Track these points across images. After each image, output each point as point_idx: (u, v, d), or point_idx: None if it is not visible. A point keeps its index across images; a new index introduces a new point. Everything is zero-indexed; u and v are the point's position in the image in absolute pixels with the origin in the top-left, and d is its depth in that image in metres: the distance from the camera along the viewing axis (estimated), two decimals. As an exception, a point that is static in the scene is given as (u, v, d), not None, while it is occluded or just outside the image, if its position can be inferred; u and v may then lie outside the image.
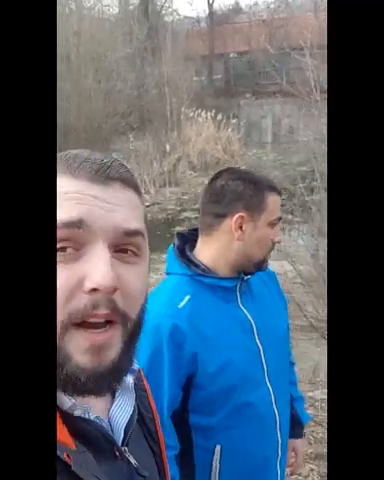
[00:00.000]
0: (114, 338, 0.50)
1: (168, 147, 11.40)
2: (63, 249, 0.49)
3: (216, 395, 1.11)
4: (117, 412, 0.57)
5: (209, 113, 13.59)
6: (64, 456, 0.47)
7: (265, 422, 1.16)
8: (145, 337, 1.15)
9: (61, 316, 0.48)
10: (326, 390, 3.26)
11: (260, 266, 1.18)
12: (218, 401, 1.12)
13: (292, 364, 1.38)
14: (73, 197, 0.50)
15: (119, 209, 0.51)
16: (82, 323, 0.48)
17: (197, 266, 1.15)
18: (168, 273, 1.21)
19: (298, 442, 1.38)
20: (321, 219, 4.27)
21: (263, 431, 1.16)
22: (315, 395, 3.25)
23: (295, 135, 15.28)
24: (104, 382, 0.50)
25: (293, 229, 5.03)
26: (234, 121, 14.24)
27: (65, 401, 0.51)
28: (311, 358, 3.36)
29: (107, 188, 0.52)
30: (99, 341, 0.49)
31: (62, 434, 0.48)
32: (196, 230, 1.23)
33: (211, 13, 21.04)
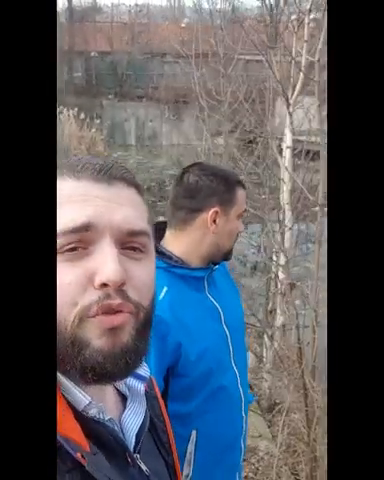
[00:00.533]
0: (127, 324, 0.52)
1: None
2: (72, 250, 0.51)
3: (196, 381, 1.17)
4: (129, 418, 0.58)
5: (71, 111, 13.12)
6: (78, 456, 0.48)
7: (234, 403, 1.26)
8: None
9: (75, 311, 0.50)
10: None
11: (227, 255, 1.26)
12: (197, 387, 1.17)
13: (246, 350, 1.54)
14: (78, 200, 0.51)
15: (123, 208, 0.53)
16: (96, 314, 0.51)
17: (170, 258, 1.19)
18: None
19: None
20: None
21: (233, 412, 1.26)
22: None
23: (159, 139, 15.66)
24: (121, 363, 0.51)
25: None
26: (98, 121, 13.97)
27: (81, 400, 0.52)
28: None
29: (111, 187, 0.53)
30: (114, 324, 0.51)
31: (76, 434, 0.49)
32: (159, 223, 1.26)
33: (70, 7, 20.35)
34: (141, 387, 0.60)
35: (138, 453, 0.57)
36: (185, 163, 4.45)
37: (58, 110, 12.69)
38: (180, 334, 1.13)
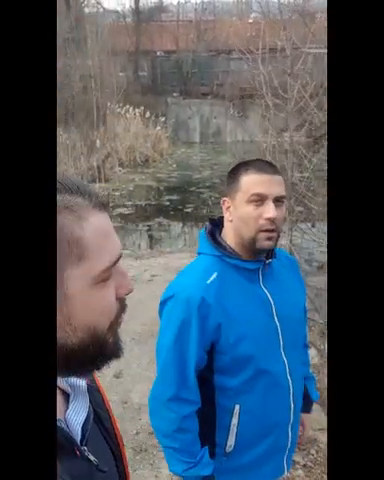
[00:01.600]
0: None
1: (98, 142, 11.03)
2: (111, 274, 0.56)
3: (235, 361, 1.22)
4: (73, 414, 0.61)
5: (137, 110, 13.42)
6: None
7: (280, 389, 1.28)
8: (176, 307, 1.23)
9: (109, 324, 0.57)
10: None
11: (254, 245, 1.21)
12: (237, 366, 1.23)
13: (306, 346, 1.49)
14: (112, 232, 0.56)
15: (115, 234, 0.58)
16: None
17: (224, 248, 1.26)
18: (199, 253, 1.32)
19: (307, 416, 1.51)
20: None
21: (278, 397, 1.28)
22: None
23: (223, 136, 15.64)
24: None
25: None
26: (162, 119, 14.19)
27: None
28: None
29: (106, 214, 0.57)
30: None
31: None
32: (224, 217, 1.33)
33: (137, 8, 20.79)
34: (83, 383, 0.63)
35: (85, 445, 0.60)
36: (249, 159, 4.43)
37: (124, 109, 13.05)
38: (220, 316, 1.20)
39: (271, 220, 1.18)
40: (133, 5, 21.03)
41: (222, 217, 1.33)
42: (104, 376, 2.96)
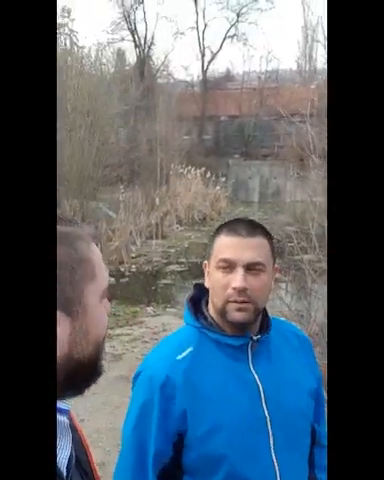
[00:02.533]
0: None
1: (157, 200, 11.44)
2: (105, 295, 0.64)
3: (204, 460, 1.01)
4: (59, 452, 0.59)
5: (198, 170, 13.90)
6: None
7: None
8: (140, 385, 1.05)
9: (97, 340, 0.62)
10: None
11: (225, 317, 1.05)
12: (207, 468, 1.01)
13: (323, 447, 1.16)
14: (103, 265, 0.63)
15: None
16: None
17: (205, 319, 1.09)
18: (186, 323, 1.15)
19: None
20: (311, 280, 4.20)
21: None
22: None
23: (282, 196, 15.72)
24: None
25: (279, 288, 4.93)
26: (223, 179, 14.56)
27: None
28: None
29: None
30: None
31: None
32: None
33: (205, 78, 22.15)
34: (65, 419, 0.62)
35: None
36: (307, 219, 4.35)
37: (186, 170, 13.55)
38: (187, 401, 1.00)
39: (238, 290, 1.01)
40: (201, 75, 22.47)
41: None
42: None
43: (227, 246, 1.05)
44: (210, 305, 1.10)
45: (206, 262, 1.11)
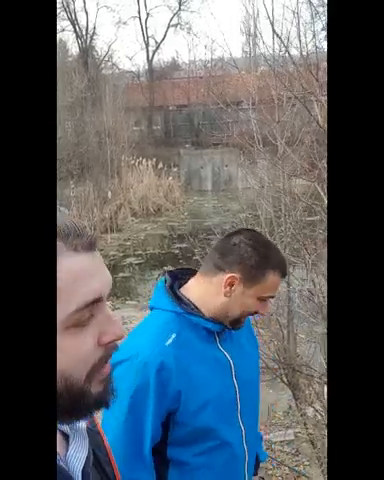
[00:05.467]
0: None
1: (110, 194, 11.29)
2: (89, 319, 0.53)
3: (195, 432, 1.13)
4: (73, 455, 0.60)
5: (150, 161, 13.80)
6: None
7: (237, 461, 1.19)
8: (132, 372, 1.08)
9: (87, 369, 0.54)
10: (281, 432, 3.16)
11: (234, 324, 1.19)
12: (196, 438, 1.13)
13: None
14: (87, 275, 0.53)
15: (106, 271, 0.56)
16: (102, 367, 0.56)
17: (187, 304, 1.17)
18: (152, 308, 1.22)
19: (255, 478, 1.41)
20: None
21: (234, 469, 1.19)
22: (271, 438, 3.16)
23: (234, 183, 15.89)
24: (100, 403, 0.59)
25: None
26: (175, 169, 14.53)
27: None
28: (265, 401, 3.25)
29: (94, 253, 0.55)
30: (108, 371, 0.59)
31: None
32: (184, 269, 1.27)
33: (150, 68, 21.92)
34: (83, 425, 0.62)
35: None
36: (259, 205, 4.45)
37: (137, 161, 13.42)
38: (182, 383, 1.10)
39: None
40: (147, 65, 22.23)
41: (182, 269, 1.27)
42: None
43: (276, 286, 1.19)
44: (214, 304, 1.17)
45: (237, 277, 1.15)
